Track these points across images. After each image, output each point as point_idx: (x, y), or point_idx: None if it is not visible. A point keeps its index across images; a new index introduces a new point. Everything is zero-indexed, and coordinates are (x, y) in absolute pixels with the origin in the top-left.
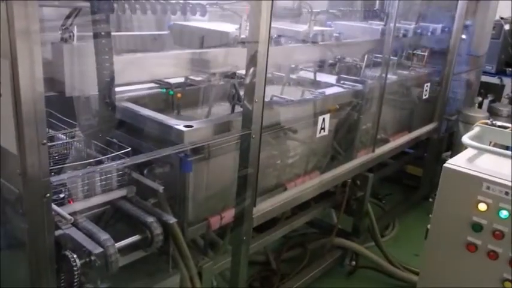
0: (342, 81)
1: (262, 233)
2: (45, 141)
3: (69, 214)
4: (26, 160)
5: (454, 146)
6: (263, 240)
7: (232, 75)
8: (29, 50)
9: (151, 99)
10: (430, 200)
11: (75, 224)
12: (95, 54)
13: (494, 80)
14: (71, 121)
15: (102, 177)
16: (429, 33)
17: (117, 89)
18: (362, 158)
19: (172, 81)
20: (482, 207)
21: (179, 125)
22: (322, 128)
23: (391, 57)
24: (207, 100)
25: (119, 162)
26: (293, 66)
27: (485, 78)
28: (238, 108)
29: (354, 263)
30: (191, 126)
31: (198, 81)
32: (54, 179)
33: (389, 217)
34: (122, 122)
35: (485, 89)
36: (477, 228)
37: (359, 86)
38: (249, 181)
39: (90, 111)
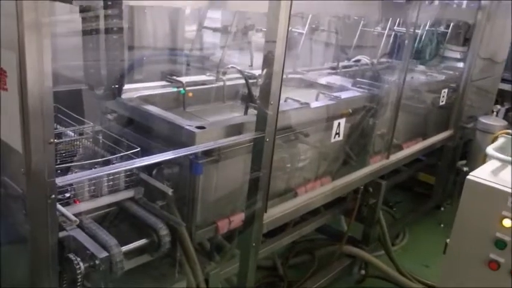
0: (358, 85)
1: (270, 238)
2: (52, 140)
3: (74, 215)
4: (31, 159)
5: (471, 155)
6: (271, 246)
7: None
8: (38, 43)
9: (162, 97)
10: (442, 209)
11: (79, 225)
12: (106, 49)
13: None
14: (78, 117)
15: (110, 178)
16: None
17: (127, 86)
18: (376, 164)
19: (184, 79)
20: (507, 223)
21: (191, 126)
22: (337, 133)
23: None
24: (219, 99)
25: (128, 162)
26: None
27: (501, 86)
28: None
29: (363, 271)
30: (203, 128)
31: (211, 80)
32: (60, 180)
33: (400, 225)
34: (130, 120)
35: (502, 97)
36: (501, 245)
37: (376, 90)
38: (261, 186)
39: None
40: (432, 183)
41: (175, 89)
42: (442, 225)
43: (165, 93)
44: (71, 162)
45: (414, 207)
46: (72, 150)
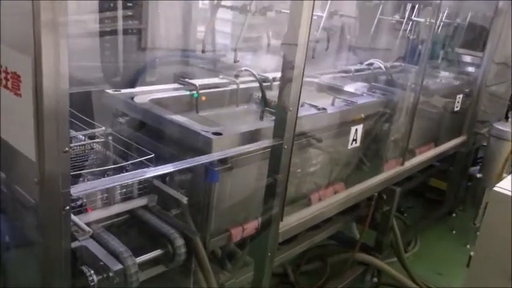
0: (373, 90)
1: (283, 246)
2: (67, 148)
3: (86, 224)
4: (44, 168)
5: (485, 162)
6: (285, 255)
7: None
8: (54, 45)
9: (174, 100)
10: (454, 215)
11: (92, 235)
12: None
13: None
14: (89, 120)
15: (123, 185)
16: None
17: (139, 89)
18: (391, 171)
19: (197, 82)
20: None
21: (207, 131)
22: (354, 140)
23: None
24: (233, 103)
25: (143, 171)
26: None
27: None
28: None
29: (375, 279)
30: (220, 134)
31: (224, 83)
32: (75, 190)
33: (412, 232)
34: (143, 124)
35: None
36: None
37: (392, 95)
38: (278, 194)
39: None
40: (443, 189)
41: (187, 92)
42: (454, 232)
43: (177, 96)
44: (82, 168)
45: (425, 213)
46: (83, 155)
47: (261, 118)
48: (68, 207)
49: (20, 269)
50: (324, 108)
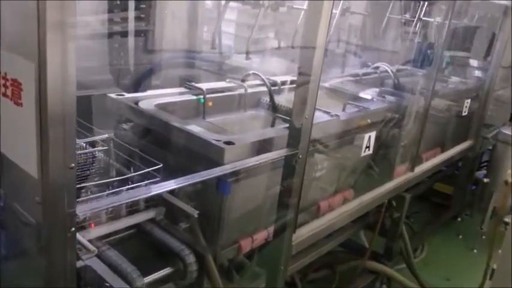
0: (383, 95)
1: (293, 257)
2: (73, 164)
3: (90, 240)
4: (48, 186)
5: (491, 167)
6: (296, 265)
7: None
8: (62, 49)
9: (180, 105)
10: (459, 219)
11: (97, 253)
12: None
13: None
14: (90, 125)
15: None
16: None
17: (144, 94)
18: (401, 177)
19: (204, 86)
20: None
21: (219, 140)
22: (367, 147)
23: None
24: (240, 107)
25: (154, 187)
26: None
27: None
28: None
29: (384, 286)
30: (232, 143)
31: (231, 87)
32: (81, 209)
33: (419, 238)
34: (148, 130)
35: None
36: None
37: (402, 100)
38: (291, 206)
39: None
40: (448, 193)
41: (194, 97)
42: (460, 236)
43: (183, 101)
44: (84, 178)
45: (431, 218)
46: (85, 164)
47: (272, 125)
48: (73, 229)
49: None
50: (337, 115)
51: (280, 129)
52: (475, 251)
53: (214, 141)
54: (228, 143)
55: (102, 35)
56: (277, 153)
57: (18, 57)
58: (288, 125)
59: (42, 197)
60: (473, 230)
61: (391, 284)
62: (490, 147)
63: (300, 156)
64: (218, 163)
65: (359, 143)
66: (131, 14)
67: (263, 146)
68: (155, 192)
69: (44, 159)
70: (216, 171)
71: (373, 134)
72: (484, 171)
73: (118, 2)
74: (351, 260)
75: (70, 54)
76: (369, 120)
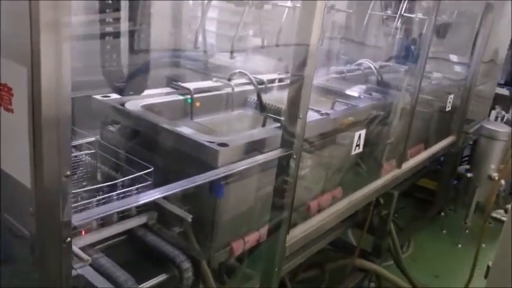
0: (369, 92)
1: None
2: (68, 172)
3: (82, 248)
4: (42, 196)
5: (475, 161)
6: (288, 265)
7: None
8: (56, 52)
9: (167, 106)
10: (442, 214)
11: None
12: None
13: (503, 91)
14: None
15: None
16: None
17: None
18: (389, 175)
19: (191, 85)
20: None
21: (213, 142)
22: (358, 145)
23: None
24: (228, 107)
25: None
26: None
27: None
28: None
29: (372, 284)
30: (226, 145)
31: (217, 86)
32: (76, 219)
33: (406, 234)
34: (136, 133)
35: (493, 100)
36: None
37: (390, 97)
38: (285, 206)
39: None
40: (431, 188)
41: (181, 97)
42: (444, 231)
43: (170, 101)
44: (72, 183)
45: (416, 213)
46: (72, 168)
47: (263, 125)
48: (69, 239)
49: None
50: (327, 113)
51: (272, 129)
52: (460, 245)
53: (207, 143)
54: (222, 144)
55: (89, 36)
56: (272, 154)
57: (7, 61)
58: (279, 124)
59: (35, 207)
60: (457, 224)
61: (380, 282)
62: (471, 142)
63: (295, 157)
64: (211, 165)
65: (349, 141)
66: (119, 14)
67: (256, 146)
68: (151, 199)
69: (38, 168)
70: (212, 175)
71: (363, 132)
72: (465, 166)
73: (110, 2)
74: (340, 258)
75: (65, 55)
76: (358, 118)
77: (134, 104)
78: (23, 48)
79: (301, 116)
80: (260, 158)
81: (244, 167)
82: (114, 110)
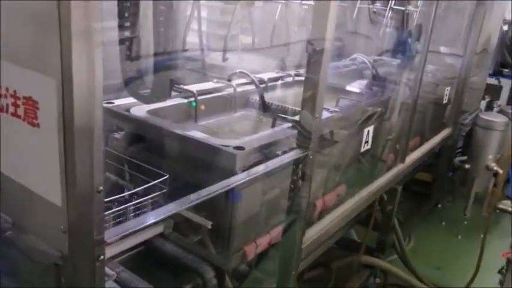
0: (370, 87)
1: None
2: (101, 188)
3: None
4: (76, 214)
5: (472, 153)
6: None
7: None
8: (88, 61)
9: (171, 110)
10: (439, 206)
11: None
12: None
13: (492, 81)
14: None
15: (137, 213)
16: None
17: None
18: (394, 170)
19: (194, 88)
20: None
21: (228, 146)
22: (366, 142)
23: None
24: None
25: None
26: None
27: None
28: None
29: (378, 280)
30: (243, 148)
31: (218, 88)
32: (109, 235)
33: (407, 228)
34: (143, 139)
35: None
36: None
37: (392, 91)
38: (301, 207)
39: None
40: (428, 181)
41: (185, 100)
42: (443, 223)
43: (174, 105)
44: None
45: (414, 206)
46: None
47: (273, 125)
48: (102, 257)
49: None
50: (336, 110)
51: (284, 130)
52: (460, 237)
53: (223, 147)
54: (239, 148)
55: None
56: (289, 156)
57: (32, 72)
58: (290, 124)
59: (68, 225)
60: (456, 216)
61: (386, 278)
62: (463, 134)
63: (311, 157)
64: (228, 170)
65: (358, 138)
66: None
67: (271, 148)
68: (176, 211)
69: (70, 185)
70: (234, 181)
71: (371, 129)
72: (461, 158)
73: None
74: (345, 256)
75: (97, 65)
76: (366, 114)
77: (139, 109)
78: (51, 59)
79: (317, 116)
80: (278, 161)
81: (264, 171)
82: (120, 117)
